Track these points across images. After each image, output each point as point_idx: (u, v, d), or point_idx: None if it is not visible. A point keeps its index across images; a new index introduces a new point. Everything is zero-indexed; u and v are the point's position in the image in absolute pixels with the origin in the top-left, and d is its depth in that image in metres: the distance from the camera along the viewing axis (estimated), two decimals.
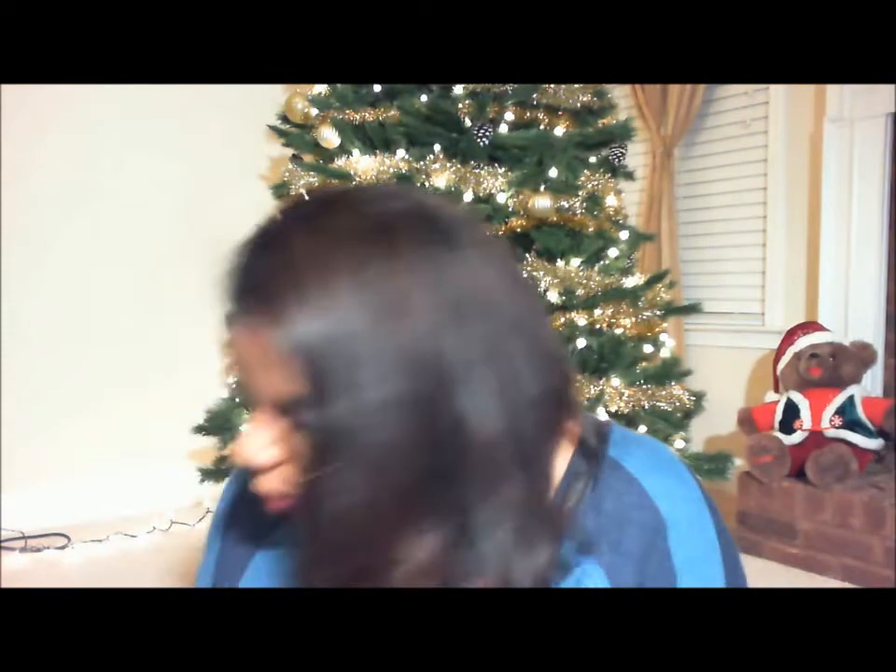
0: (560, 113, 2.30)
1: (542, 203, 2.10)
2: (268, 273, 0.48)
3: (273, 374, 0.48)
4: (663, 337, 2.37)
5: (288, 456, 0.51)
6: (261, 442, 0.52)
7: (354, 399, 0.46)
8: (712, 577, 0.56)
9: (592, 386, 2.07)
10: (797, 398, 2.33)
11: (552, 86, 2.23)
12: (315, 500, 0.49)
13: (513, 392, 0.48)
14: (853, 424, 2.25)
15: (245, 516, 0.65)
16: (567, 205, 2.18)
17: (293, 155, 2.56)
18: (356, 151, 2.20)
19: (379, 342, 0.46)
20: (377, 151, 2.19)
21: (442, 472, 0.48)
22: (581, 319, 2.14)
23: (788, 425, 2.33)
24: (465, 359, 0.47)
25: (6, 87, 2.53)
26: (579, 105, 2.28)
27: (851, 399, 2.27)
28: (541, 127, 2.26)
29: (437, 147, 2.14)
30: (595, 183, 2.23)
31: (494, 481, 0.49)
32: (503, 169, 2.16)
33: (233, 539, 0.66)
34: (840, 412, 2.26)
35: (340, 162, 2.22)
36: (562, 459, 0.56)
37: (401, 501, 0.48)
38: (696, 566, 0.55)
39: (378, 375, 0.46)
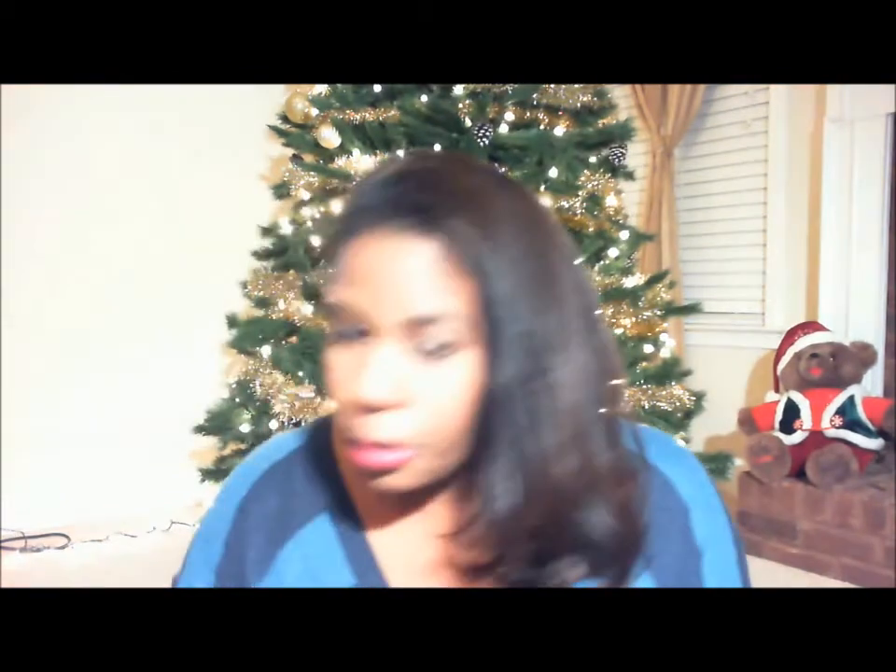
0: (560, 113, 2.30)
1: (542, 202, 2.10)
2: (439, 196, 0.50)
3: (437, 288, 0.49)
4: (663, 337, 2.37)
5: (413, 396, 0.49)
6: (390, 377, 0.49)
7: (534, 315, 0.49)
8: (727, 556, 0.59)
9: None
10: (797, 398, 2.33)
11: (552, 86, 2.23)
12: (498, 405, 0.49)
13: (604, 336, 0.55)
14: (853, 424, 2.25)
15: (273, 503, 0.61)
16: (567, 205, 2.18)
17: (293, 155, 2.57)
18: (356, 151, 2.20)
19: (539, 268, 0.51)
20: (377, 151, 2.19)
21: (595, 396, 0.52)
22: None
23: (788, 425, 2.33)
24: (584, 295, 0.54)
25: (5, 87, 2.53)
26: (579, 104, 2.29)
27: (851, 399, 2.27)
28: (541, 127, 2.26)
29: (437, 147, 2.14)
30: (595, 183, 2.23)
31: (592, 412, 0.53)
32: (503, 169, 2.16)
33: (249, 538, 0.61)
34: (840, 412, 2.26)
35: (340, 162, 2.22)
36: None
37: (576, 412, 0.51)
38: (714, 544, 0.58)
39: (541, 297, 0.50)
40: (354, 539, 0.59)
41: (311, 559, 0.59)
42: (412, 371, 0.49)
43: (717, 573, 0.58)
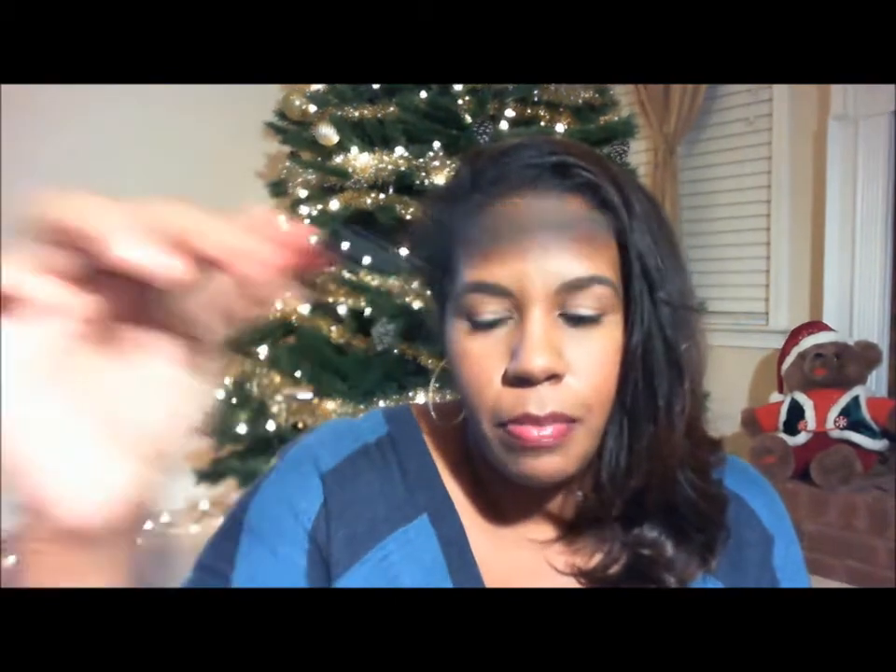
0: (561, 110, 2.29)
1: None
2: (571, 157, 0.49)
3: (585, 251, 0.48)
4: None
5: (568, 365, 0.48)
6: (549, 346, 0.47)
7: (668, 287, 0.50)
8: (806, 585, 0.60)
9: None
10: (801, 398, 2.32)
11: None
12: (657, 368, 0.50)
13: None
14: (858, 424, 2.24)
15: (366, 489, 0.55)
16: None
17: (291, 152, 2.56)
18: (354, 148, 2.19)
19: (664, 236, 0.51)
20: (376, 148, 2.18)
21: None
22: None
23: (792, 425, 2.31)
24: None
25: (5, 87, 2.52)
26: (580, 101, 2.27)
27: (856, 399, 2.26)
28: (542, 124, 2.25)
29: (436, 145, 2.13)
30: None
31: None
32: None
33: (333, 518, 0.54)
34: (845, 412, 2.25)
35: (338, 160, 2.21)
36: None
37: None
38: (792, 577, 0.58)
39: (672, 265, 0.51)
40: (456, 547, 0.55)
41: (414, 563, 0.53)
42: (565, 340, 0.48)
43: None
